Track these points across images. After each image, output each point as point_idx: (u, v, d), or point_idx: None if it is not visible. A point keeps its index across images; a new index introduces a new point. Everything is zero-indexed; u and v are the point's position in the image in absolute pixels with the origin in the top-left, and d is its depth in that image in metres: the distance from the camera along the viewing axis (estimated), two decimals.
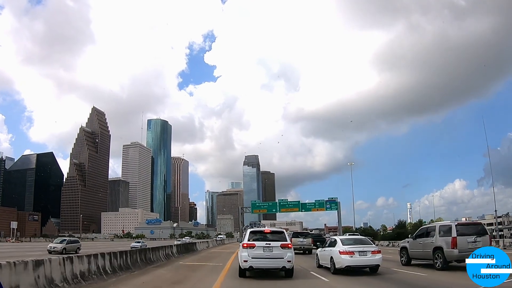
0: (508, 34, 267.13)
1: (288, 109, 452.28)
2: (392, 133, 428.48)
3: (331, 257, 16.29)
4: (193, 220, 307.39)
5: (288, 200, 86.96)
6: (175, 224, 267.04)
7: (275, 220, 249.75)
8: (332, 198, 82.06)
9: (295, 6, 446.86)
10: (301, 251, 32.14)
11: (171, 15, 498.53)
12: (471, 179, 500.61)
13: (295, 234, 35.16)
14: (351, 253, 15.46)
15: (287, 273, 14.61)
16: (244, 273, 14.62)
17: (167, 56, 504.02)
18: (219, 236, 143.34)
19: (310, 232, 59.49)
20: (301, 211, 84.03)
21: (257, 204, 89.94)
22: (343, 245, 16.08)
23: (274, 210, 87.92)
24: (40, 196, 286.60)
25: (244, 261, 14.17)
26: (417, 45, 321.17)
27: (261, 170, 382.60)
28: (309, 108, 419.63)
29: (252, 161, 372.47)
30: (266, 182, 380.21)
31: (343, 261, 15.44)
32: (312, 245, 34.16)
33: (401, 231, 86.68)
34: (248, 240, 14.61)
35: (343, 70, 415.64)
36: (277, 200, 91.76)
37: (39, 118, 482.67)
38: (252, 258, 14.10)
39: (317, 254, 19.64)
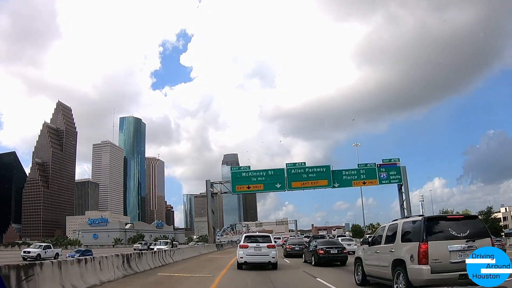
0: (488, 27, 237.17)
1: (265, 107, 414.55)
2: (372, 131, 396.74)
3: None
4: (155, 221, 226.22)
5: (307, 165, 43.46)
6: (127, 225, 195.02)
7: (257, 220, 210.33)
8: (391, 160, 41.39)
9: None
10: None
11: (145, 12, 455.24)
12: (450, 178, 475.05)
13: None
14: None
15: (273, 266, 17.88)
16: (241, 266, 18.05)
17: (140, 55, 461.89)
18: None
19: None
20: (334, 186, 42.68)
21: (243, 174, 44.59)
22: None
23: (279, 186, 42.96)
24: (0, 199, 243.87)
25: (241, 257, 17.81)
26: (397, 38, 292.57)
27: None
28: (287, 105, 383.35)
29: (231, 159, 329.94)
30: None
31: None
32: None
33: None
34: (244, 242, 18.22)
35: (322, 66, 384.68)
36: (284, 166, 44.03)
37: (8, 121, 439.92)
38: (246, 255, 17.71)
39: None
